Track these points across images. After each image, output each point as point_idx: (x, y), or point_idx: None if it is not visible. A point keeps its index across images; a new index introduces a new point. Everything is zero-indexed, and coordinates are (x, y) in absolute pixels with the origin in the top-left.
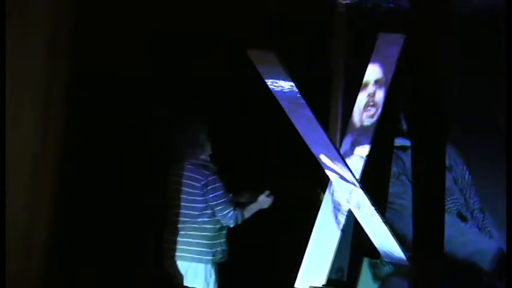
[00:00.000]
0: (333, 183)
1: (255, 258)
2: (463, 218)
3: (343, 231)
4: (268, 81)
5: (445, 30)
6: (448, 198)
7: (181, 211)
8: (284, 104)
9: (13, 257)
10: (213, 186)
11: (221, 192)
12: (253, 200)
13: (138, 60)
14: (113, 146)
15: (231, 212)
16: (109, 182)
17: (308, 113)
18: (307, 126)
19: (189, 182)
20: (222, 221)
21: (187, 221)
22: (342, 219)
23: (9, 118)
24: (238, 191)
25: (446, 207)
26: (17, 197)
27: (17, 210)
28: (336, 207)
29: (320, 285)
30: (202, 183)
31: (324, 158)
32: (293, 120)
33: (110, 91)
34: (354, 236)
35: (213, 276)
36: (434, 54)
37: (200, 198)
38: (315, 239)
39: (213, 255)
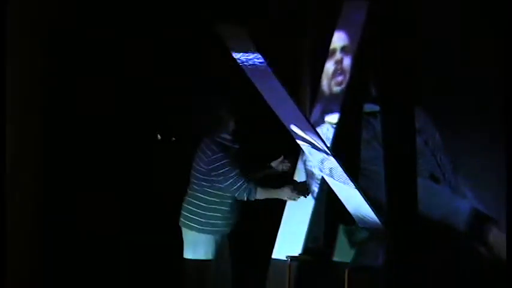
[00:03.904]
0: (305, 152)
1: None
2: (435, 180)
3: (316, 199)
4: (237, 55)
5: None
6: (420, 161)
7: (191, 180)
8: (253, 76)
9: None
10: (220, 162)
11: (228, 168)
12: (271, 174)
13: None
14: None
15: (243, 185)
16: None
17: (276, 84)
18: (276, 97)
19: (200, 154)
20: (235, 195)
21: (192, 190)
22: (315, 188)
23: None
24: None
25: (418, 170)
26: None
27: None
28: (309, 177)
29: (297, 254)
30: (209, 159)
31: (294, 128)
32: (262, 92)
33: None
34: (328, 204)
35: (211, 247)
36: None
37: (204, 170)
38: (290, 209)
39: (211, 227)
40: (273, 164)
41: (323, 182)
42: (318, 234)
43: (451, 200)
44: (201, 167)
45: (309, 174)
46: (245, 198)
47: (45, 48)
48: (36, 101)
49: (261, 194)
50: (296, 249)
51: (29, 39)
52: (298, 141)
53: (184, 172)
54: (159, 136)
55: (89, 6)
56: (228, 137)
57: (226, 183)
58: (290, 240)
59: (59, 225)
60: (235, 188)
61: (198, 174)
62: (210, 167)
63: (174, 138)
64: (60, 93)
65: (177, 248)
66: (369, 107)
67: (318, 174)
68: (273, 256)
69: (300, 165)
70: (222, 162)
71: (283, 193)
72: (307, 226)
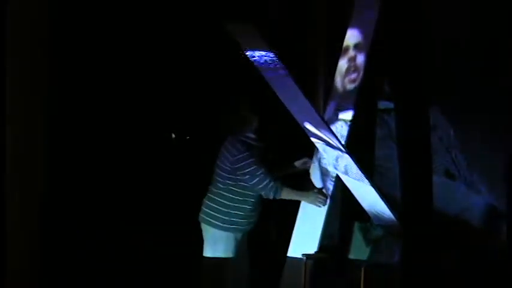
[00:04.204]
0: (319, 150)
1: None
2: (450, 176)
3: (331, 197)
4: (249, 53)
5: None
6: (434, 157)
7: (214, 178)
8: (266, 75)
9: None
10: (246, 162)
11: (254, 167)
12: (292, 173)
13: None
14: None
15: (270, 184)
16: None
17: (290, 82)
18: (290, 95)
19: (225, 153)
20: (262, 193)
21: (216, 188)
22: (330, 185)
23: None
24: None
25: (433, 166)
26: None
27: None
28: (324, 174)
29: (312, 253)
30: (235, 158)
31: (308, 126)
32: (276, 91)
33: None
34: (343, 201)
35: (231, 245)
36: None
37: (229, 168)
38: (305, 207)
39: (233, 224)
40: (296, 163)
41: (338, 180)
42: (333, 232)
43: (465, 196)
44: (226, 166)
45: (323, 171)
46: (271, 197)
47: (45, 48)
48: (37, 101)
49: (286, 194)
50: (312, 247)
51: (29, 39)
52: (313, 139)
53: (202, 170)
54: (173, 135)
55: (89, 6)
56: (252, 135)
57: (253, 182)
58: (305, 238)
59: (59, 225)
60: (262, 186)
61: (222, 173)
62: (235, 166)
63: (188, 137)
64: (60, 93)
65: (195, 246)
66: (383, 104)
67: (332, 171)
68: (289, 254)
69: (314, 163)
70: (248, 161)
71: (308, 197)
72: (322, 224)
